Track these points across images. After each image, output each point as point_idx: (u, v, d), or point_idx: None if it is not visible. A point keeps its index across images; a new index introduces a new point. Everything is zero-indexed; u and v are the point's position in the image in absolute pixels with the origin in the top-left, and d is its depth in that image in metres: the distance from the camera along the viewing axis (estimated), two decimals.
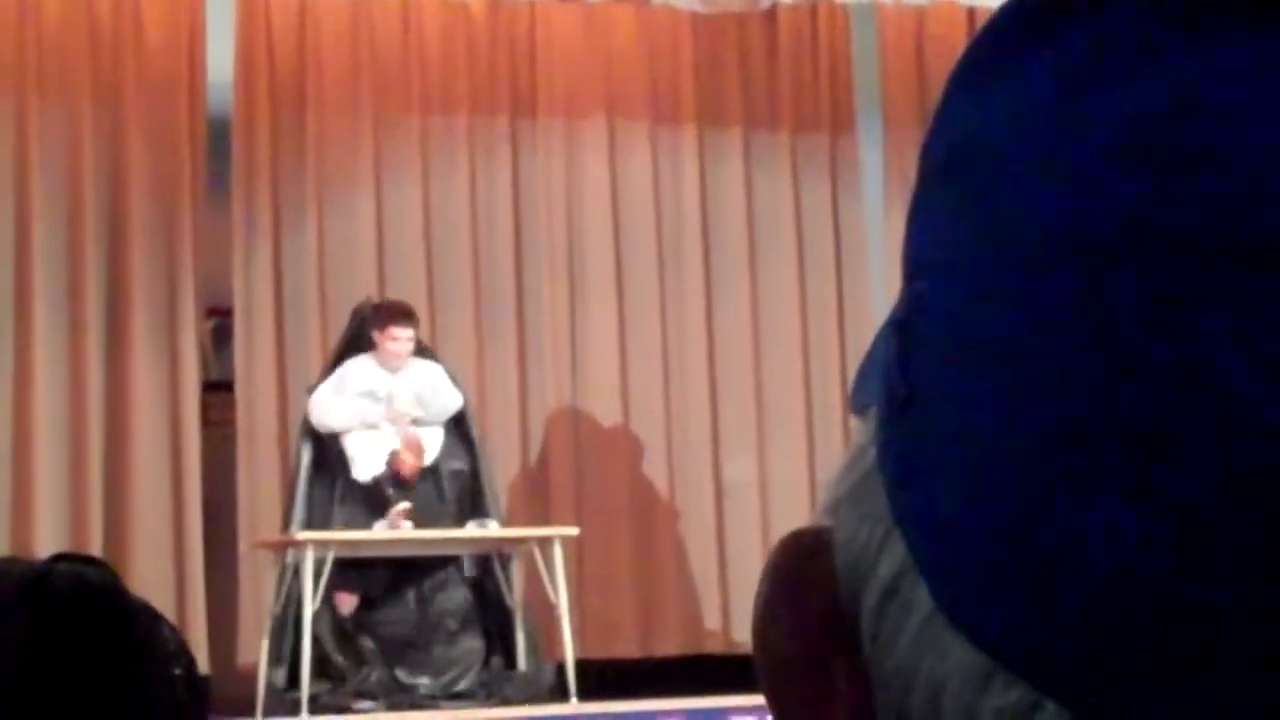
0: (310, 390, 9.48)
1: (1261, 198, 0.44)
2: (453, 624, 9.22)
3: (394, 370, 9.30)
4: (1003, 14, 0.51)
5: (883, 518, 0.50)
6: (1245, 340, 0.44)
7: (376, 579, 9.21)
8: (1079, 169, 0.47)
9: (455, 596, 9.29)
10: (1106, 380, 0.45)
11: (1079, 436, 0.45)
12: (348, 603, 9.08)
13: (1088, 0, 0.49)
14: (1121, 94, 0.47)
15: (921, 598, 0.48)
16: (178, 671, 1.76)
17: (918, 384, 0.49)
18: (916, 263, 0.52)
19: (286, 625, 9.02)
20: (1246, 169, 0.45)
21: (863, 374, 0.55)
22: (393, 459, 9.14)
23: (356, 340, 9.52)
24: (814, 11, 10.91)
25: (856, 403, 0.55)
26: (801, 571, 0.53)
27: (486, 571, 9.40)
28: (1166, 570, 0.44)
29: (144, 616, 1.77)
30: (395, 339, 9.29)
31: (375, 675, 9.03)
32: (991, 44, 0.51)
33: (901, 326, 0.51)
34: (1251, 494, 0.43)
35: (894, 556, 0.50)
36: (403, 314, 9.37)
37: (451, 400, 9.46)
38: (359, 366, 9.34)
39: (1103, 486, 0.45)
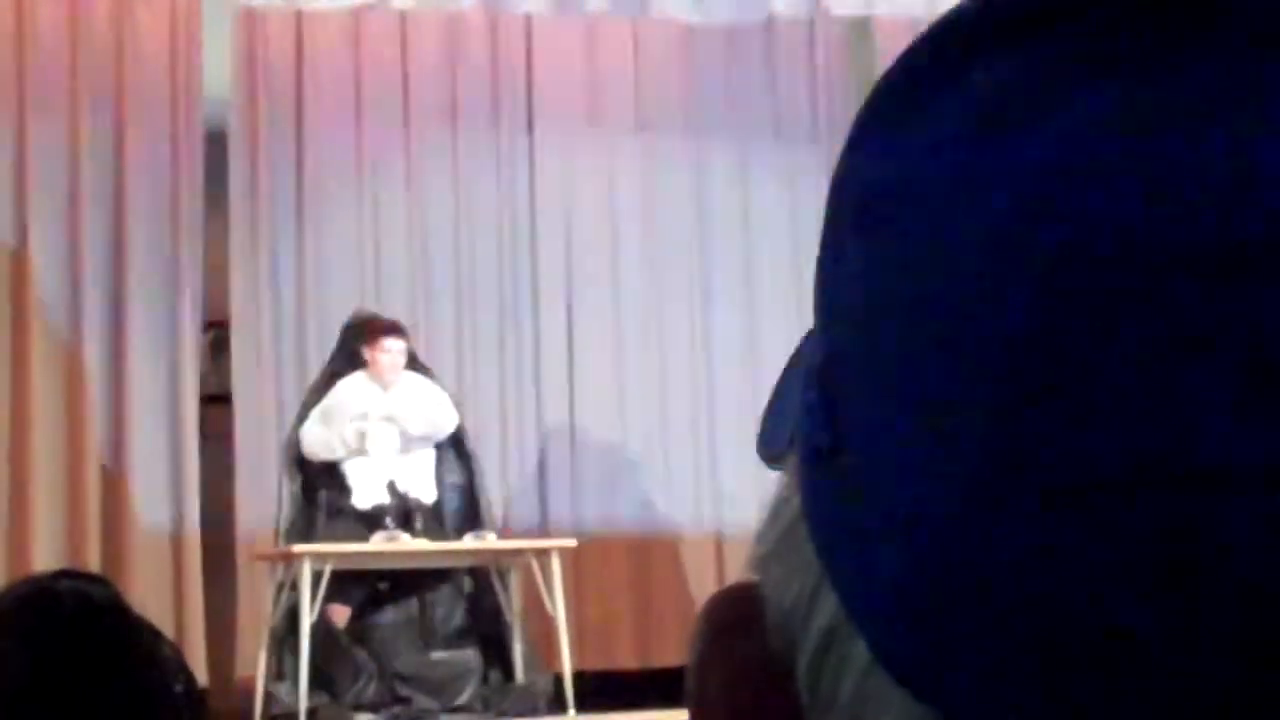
0: (301, 414, 9.46)
1: (1169, 248, 0.44)
2: (449, 637, 9.21)
3: (386, 385, 9.29)
4: (912, 54, 0.50)
5: (812, 569, 0.50)
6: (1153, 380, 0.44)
7: (372, 592, 9.19)
8: (989, 222, 0.46)
9: (452, 609, 9.28)
10: (1034, 433, 0.44)
11: (1011, 485, 0.45)
12: (341, 615, 9.06)
13: (996, 43, 0.48)
14: (1026, 141, 0.46)
15: (858, 651, 0.48)
16: (178, 687, 1.77)
17: (843, 435, 0.49)
18: (833, 309, 0.51)
19: (283, 638, 9.01)
20: (1148, 220, 0.44)
21: (771, 421, 0.55)
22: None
23: (346, 356, 9.51)
24: (810, 24, 10.90)
25: (767, 450, 0.54)
26: (733, 627, 0.53)
27: (482, 584, 9.39)
28: (1107, 621, 0.43)
29: (145, 633, 1.78)
30: (386, 350, 9.28)
31: (372, 688, 9.02)
32: (902, 85, 0.50)
33: (822, 375, 0.50)
34: (1188, 540, 0.43)
35: (826, 609, 0.49)
36: (391, 326, 9.36)
37: (446, 418, 9.45)
38: (349, 387, 9.32)
39: (1032, 540, 0.44)
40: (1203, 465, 0.43)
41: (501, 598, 9.28)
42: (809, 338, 0.54)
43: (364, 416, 9.25)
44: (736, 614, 0.53)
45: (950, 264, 0.46)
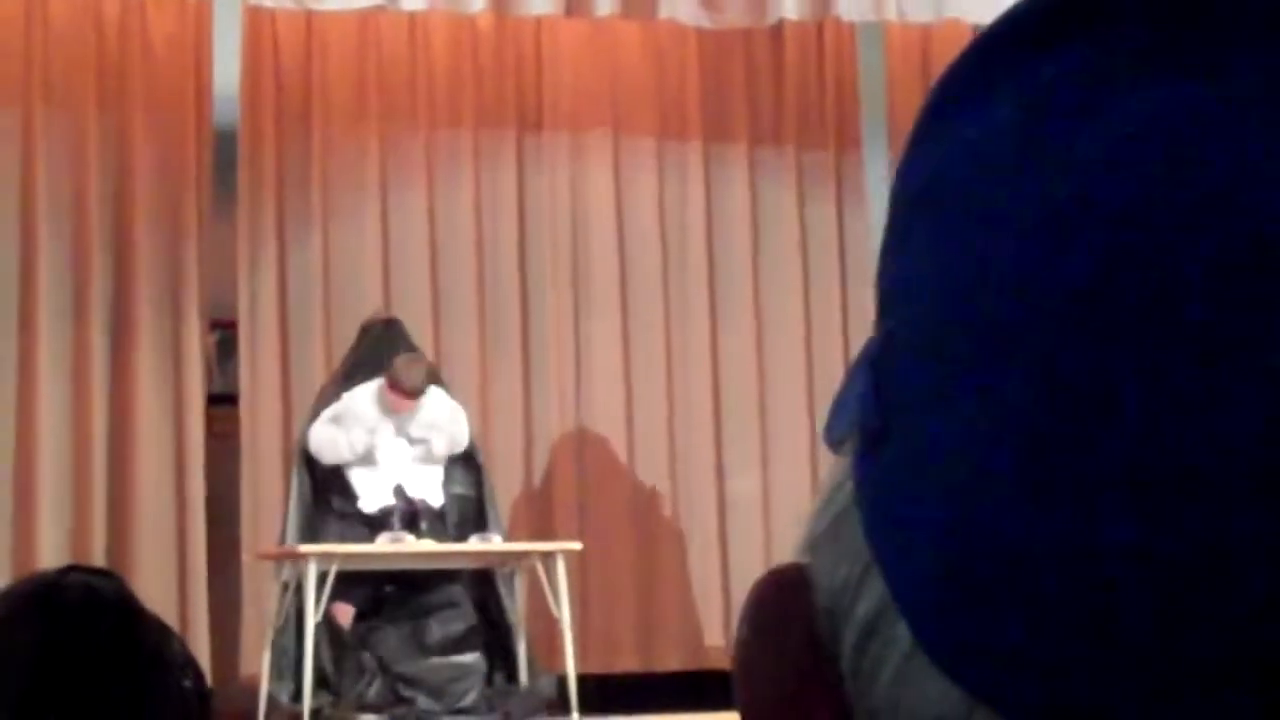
0: (314, 410, 9.47)
1: (1212, 244, 0.45)
2: (453, 641, 9.20)
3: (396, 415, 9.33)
4: (971, 49, 0.52)
5: (861, 554, 0.50)
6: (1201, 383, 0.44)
7: (376, 594, 9.20)
8: (1039, 214, 0.47)
9: (456, 613, 9.27)
10: (1074, 422, 0.45)
11: (1048, 476, 0.45)
12: (345, 615, 9.06)
13: (1056, 36, 0.49)
14: (1082, 131, 0.47)
15: (901, 635, 0.48)
16: (186, 683, 1.77)
17: (891, 421, 0.49)
18: (888, 298, 0.52)
19: (288, 638, 9.01)
20: (1192, 212, 0.45)
21: (837, 408, 0.55)
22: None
23: (364, 361, 9.50)
24: (820, 28, 10.91)
25: (831, 436, 0.55)
26: (780, 610, 0.53)
27: (486, 588, 9.39)
28: (1150, 610, 0.44)
29: (153, 628, 1.78)
30: (401, 407, 9.27)
31: (375, 688, 9.02)
32: (964, 76, 0.52)
33: (874, 362, 0.51)
34: (1234, 543, 0.44)
35: (873, 594, 0.50)
36: (415, 393, 9.30)
37: (464, 435, 9.44)
38: (364, 401, 9.30)
39: (1075, 528, 0.45)
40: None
41: (506, 600, 9.29)
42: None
43: (374, 431, 9.24)
44: (785, 596, 0.53)
45: (1004, 248, 0.47)
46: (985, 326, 0.47)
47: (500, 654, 9.31)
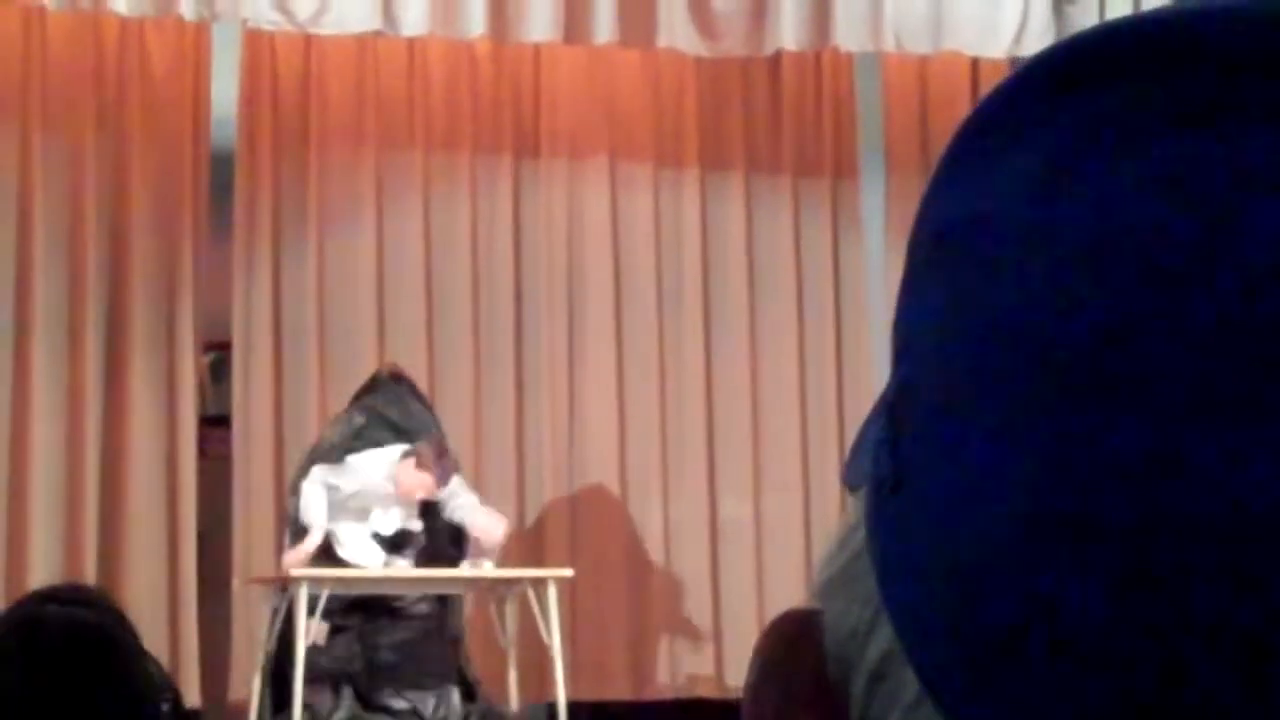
0: (309, 458, 9.38)
1: (1224, 309, 0.45)
2: (436, 665, 9.15)
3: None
4: (991, 100, 0.52)
5: (872, 599, 0.50)
6: (1218, 439, 0.44)
7: (355, 613, 9.14)
8: (1056, 269, 0.47)
9: (439, 637, 9.22)
10: (1082, 485, 0.45)
11: (1058, 531, 0.45)
12: (320, 631, 8.96)
13: (1075, 84, 0.49)
14: (1101, 184, 0.47)
15: (909, 682, 0.48)
16: (164, 706, 1.77)
17: (904, 470, 0.49)
18: (904, 343, 0.52)
19: (268, 662, 8.98)
20: (1204, 278, 0.45)
21: (855, 451, 0.55)
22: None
23: (375, 420, 9.44)
24: (818, 58, 10.93)
25: (850, 478, 0.55)
26: (790, 654, 0.53)
27: (453, 623, 9.34)
28: (1154, 665, 0.44)
29: (130, 654, 1.78)
30: (418, 489, 9.19)
31: (347, 708, 8.97)
32: (979, 130, 0.52)
33: (890, 409, 0.51)
34: (1243, 588, 0.44)
35: (882, 639, 0.50)
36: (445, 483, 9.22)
37: (498, 527, 9.38)
38: (368, 472, 9.20)
39: (1082, 580, 0.45)
40: None
41: (497, 627, 9.27)
42: None
43: (368, 494, 9.16)
44: (796, 638, 0.54)
45: (1019, 298, 0.47)
46: (999, 381, 0.47)
47: (466, 690, 9.25)
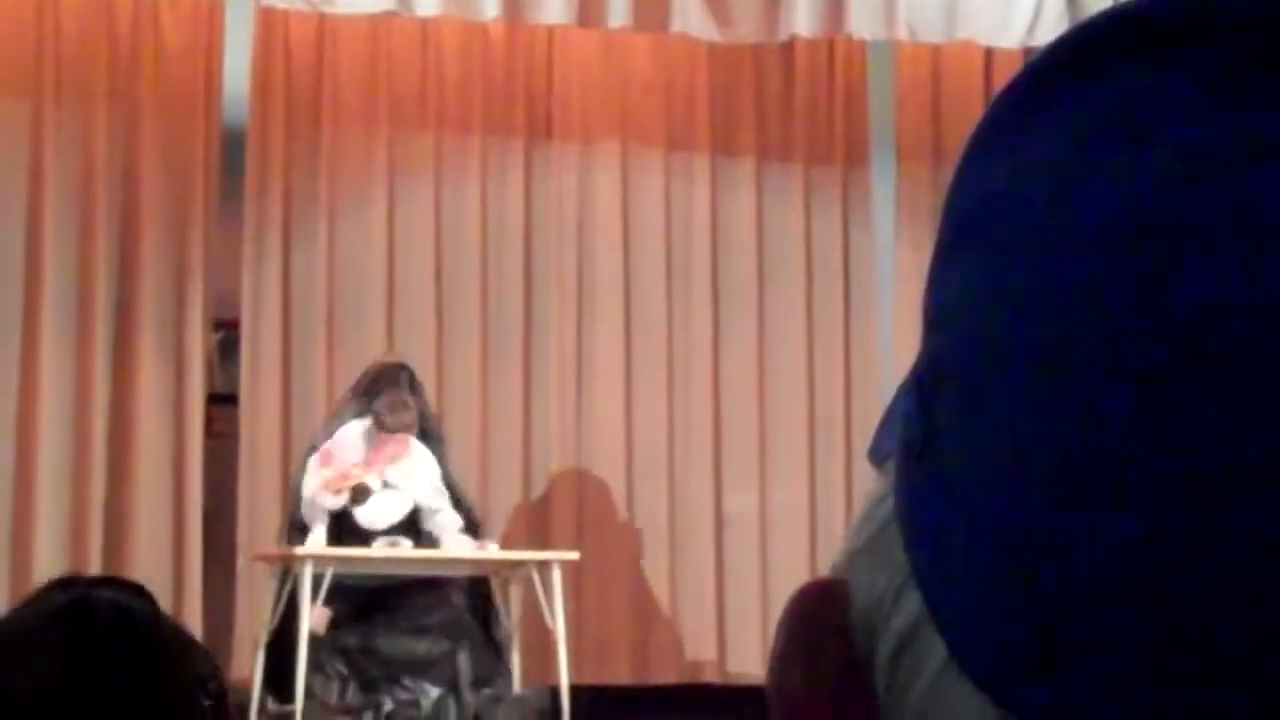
0: (309, 452, 9.43)
1: (1264, 295, 0.45)
2: (441, 647, 9.15)
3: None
4: (1025, 72, 0.52)
5: (899, 568, 0.51)
6: (1240, 417, 0.44)
7: (360, 597, 9.14)
8: (1087, 241, 0.48)
9: (443, 618, 9.22)
10: (1115, 450, 0.46)
11: (1088, 494, 0.46)
12: (321, 620, 8.97)
13: (1103, 63, 0.50)
14: (1129, 163, 0.48)
15: (936, 649, 0.49)
16: (206, 702, 1.78)
17: (934, 436, 0.50)
18: (936, 317, 0.53)
19: (270, 641, 9.00)
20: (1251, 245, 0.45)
21: (883, 426, 0.56)
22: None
23: (362, 400, 9.47)
24: (831, 45, 10.92)
25: (877, 454, 0.55)
26: (817, 621, 0.53)
27: (477, 595, 9.35)
28: (1204, 639, 0.44)
29: (177, 646, 1.78)
30: (387, 446, 9.23)
31: (358, 695, 8.97)
32: (1013, 101, 0.52)
33: (920, 379, 0.52)
34: (1262, 551, 0.44)
35: (909, 607, 0.50)
36: (391, 427, 9.25)
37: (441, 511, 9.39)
38: (353, 438, 9.26)
39: (1112, 544, 0.45)
40: None
41: (501, 609, 9.27)
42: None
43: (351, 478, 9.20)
44: (822, 608, 0.54)
45: (1049, 271, 0.48)
46: (1031, 350, 0.48)
47: (490, 662, 9.26)
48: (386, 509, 9.20)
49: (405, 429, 9.24)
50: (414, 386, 9.60)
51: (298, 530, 9.26)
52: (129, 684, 1.73)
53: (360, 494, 9.16)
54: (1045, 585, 0.46)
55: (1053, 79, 0.51)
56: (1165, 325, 0.46)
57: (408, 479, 9.23)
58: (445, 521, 9.27)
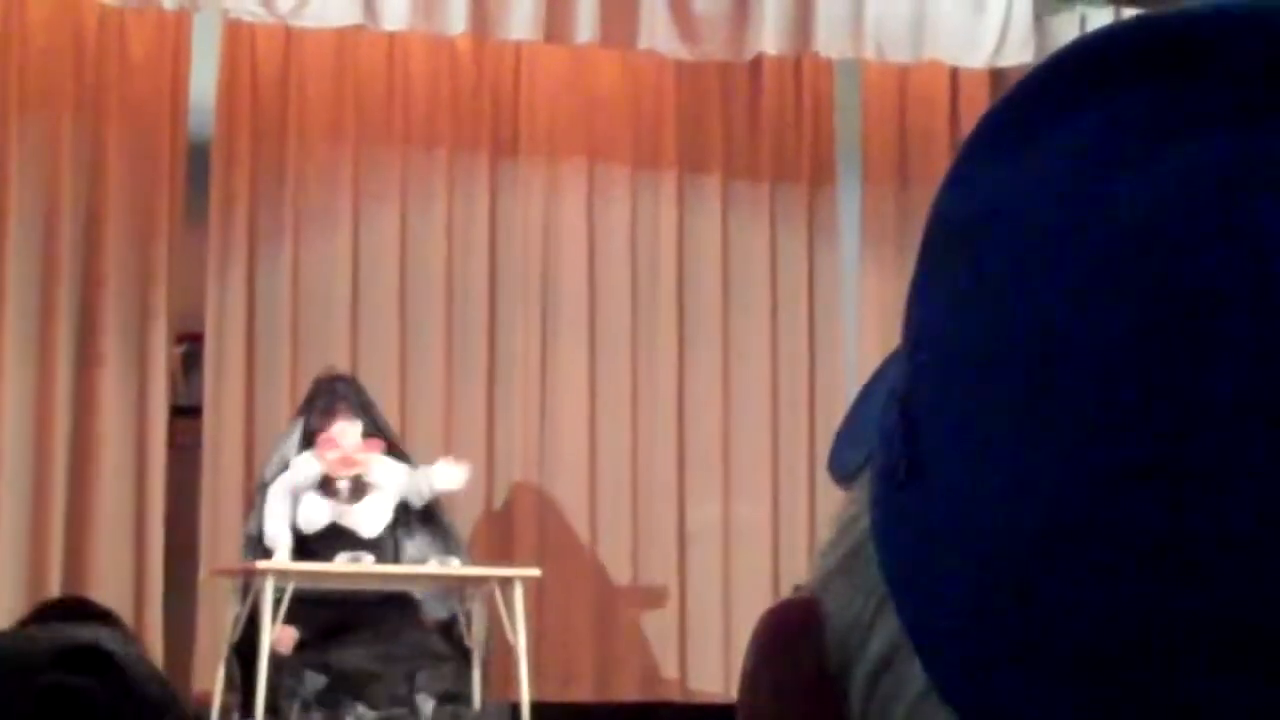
0: (269, 470, 9.40)
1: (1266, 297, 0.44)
2: (404, 666, 9.12)
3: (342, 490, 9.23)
4: (1019, 91, 0.51)
5: (875, 590, 0.50)
6: (1245, 471, 0.44)
7: (325, 616, 9.10)
8: (1084, 268, 0.47)
9: (408, 638, 9.19)
10: (1109, 479, 0.45)
11: (1083, 534, 0.45)
12: (287, 640, 8.93)
13: (1105, 85, 0.49)
14: (1128, 183, 0.47)
15: (915, 674, 0.48)
16: None
17: (919, 461, 0.49)
18: (921, 334, 0.51)
19: (229, 656, 8.96)
20: (1241, 275, 0.45)
21: (845, 439, 0.55)
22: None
23: (310, 414, 9.46)
24: (798, 64, 10.93)
25: (839, 467, 0.54)
26: (790, 641, 0.52)
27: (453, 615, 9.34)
28: (1168, 663, 0.44)
29: (132, 677, 1.76)
30: (339, 469, 9.17)
31: (321, 713, 8.94)
32: (1006, 120, 0.51)
33: (904, 398, 0.50)
34: (1263, 600, 0.44)
35: (887, 631, 0.49)
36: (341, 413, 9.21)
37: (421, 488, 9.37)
38: (307, 472, 9.23)
39: (1106, 582, 0.45)
40: None
41: (463, 626, 9.25)
42: (891, 360, 0.54)
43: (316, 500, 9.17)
44: (794, 627, 0.53)
45: (1046, 296, 0.47)
46: (1027, 378, 0.47)
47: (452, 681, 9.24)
48: (377, 514, 9.20)
49: (341, 417, 9.21)
50: (358, 392, 9.59)
51: (259, 543, 9.22)
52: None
53: (359, 488, 9.16)
54: (1032, 621, 0.45)
55: (1059, 91, 0.50)
56: (1171, 344, 0.45)
57: (386, 477, 9.24)
58: (432, 469, 9.28)
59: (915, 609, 0.48)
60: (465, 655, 9.22)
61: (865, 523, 0.51)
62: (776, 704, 0.52)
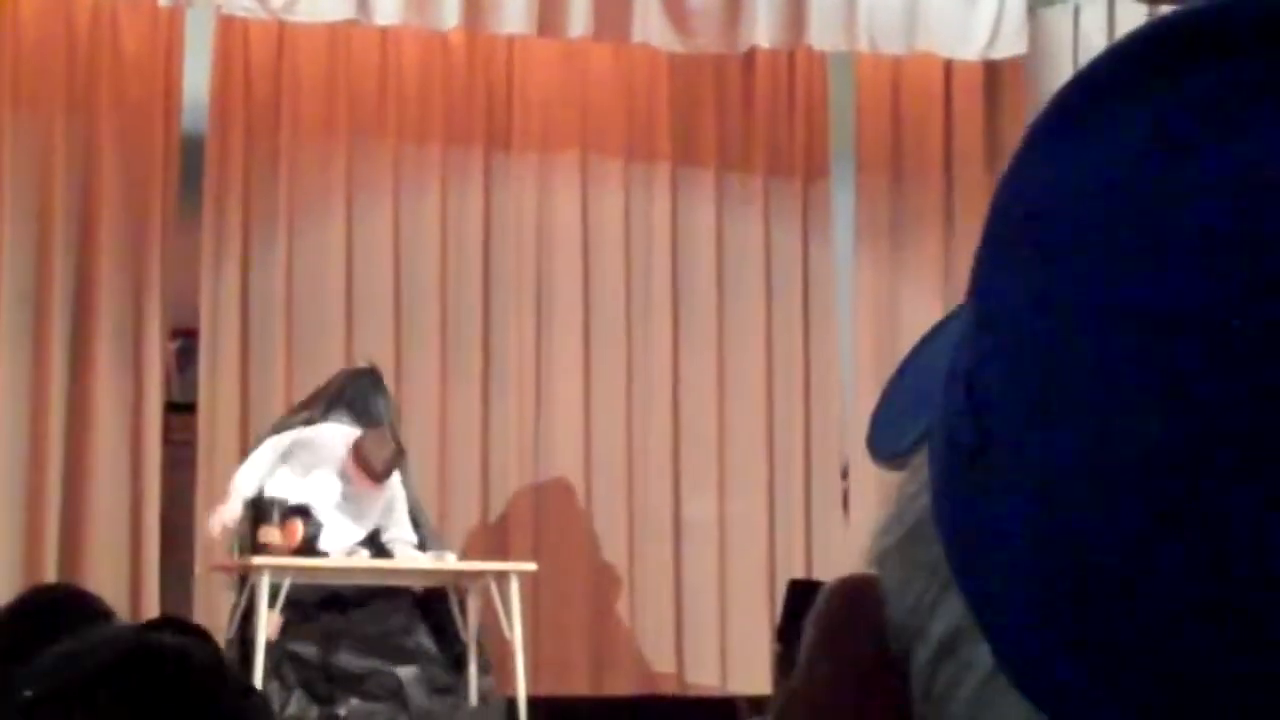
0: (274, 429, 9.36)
1: None
2: (395, 655, 9.12)
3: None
4: (1092, 72, 0.50)
5: (937, 571, 0.50)
6: None
7: (313, 602, 9.09)
8: (1170, 246, 0.46)
9: (394, 628, 9.18)
10: (1189, 460, 0.44)
11: (1162, 512, 0.44)
12: (273, 626, 8.92)
13: (1183, 63, 0.48)
14: (1216, 160, 0.46)
15: (981, 657, 0.48)
16: None
17: (989, 444, 0.48)
18: (989, 314, 0.50)
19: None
20: None
21: (886, 418, 0.54)
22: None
23: (336, 401, 9.42)
24: (792, 57, 10.92)
25: (883, 446, 0.54)
26: (851, 617, 0.52)
27: (431, 608, 9.31)
28: (1248, 649, 0.43)
29: (234, 693, 1.79)
30: (362, 485, 9.10)
31: (311, 705, 8.94)
32: (1079, 101, 0.50)
33: (971, 377, 0.50)
34: None
35: (950, 612, 0.49)
36: (380, 476, 9.13)
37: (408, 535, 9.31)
38: (325, 447, 9.14)
39: (1181, 559, 0.44)
40: None
41: (459, 621, 9.25)
42: (931, 338, 0.53)
43: (324, 479, 9.10)
44: (853, 605, 0.53)
45: (1131, 275, 0.46)
46: (1104, 363, 0.46)
47: (448, 671, 9.24)
48: (345, 535, 9.15)
49: (389, 474, 9.12)
50: (385, 393, 9.59)
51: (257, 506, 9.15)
52: None
53: (309, 542, 9.09)
54: (1102, 610, 0.45)
55: (1127, 77, 0.49)
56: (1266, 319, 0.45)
57: (373, 505, 9.18)
58: (400, 540, 9.22)
59: (981, 592, 0.48)
60: (455, 649, 9.22)
61: (924, 501, 0.51)
62: (835, 680, 0.52)
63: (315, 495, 9.08)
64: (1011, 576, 0.47)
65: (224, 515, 8.95)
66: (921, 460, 0.52)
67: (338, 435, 9.12)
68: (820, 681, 0.52)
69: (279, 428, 9.39)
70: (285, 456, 9.12)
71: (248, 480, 9.04)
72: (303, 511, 9.08)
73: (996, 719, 0.47)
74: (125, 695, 1.70)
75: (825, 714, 0.52)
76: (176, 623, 1.94)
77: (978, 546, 0.48)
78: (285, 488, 9.06)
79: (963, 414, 0.49)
